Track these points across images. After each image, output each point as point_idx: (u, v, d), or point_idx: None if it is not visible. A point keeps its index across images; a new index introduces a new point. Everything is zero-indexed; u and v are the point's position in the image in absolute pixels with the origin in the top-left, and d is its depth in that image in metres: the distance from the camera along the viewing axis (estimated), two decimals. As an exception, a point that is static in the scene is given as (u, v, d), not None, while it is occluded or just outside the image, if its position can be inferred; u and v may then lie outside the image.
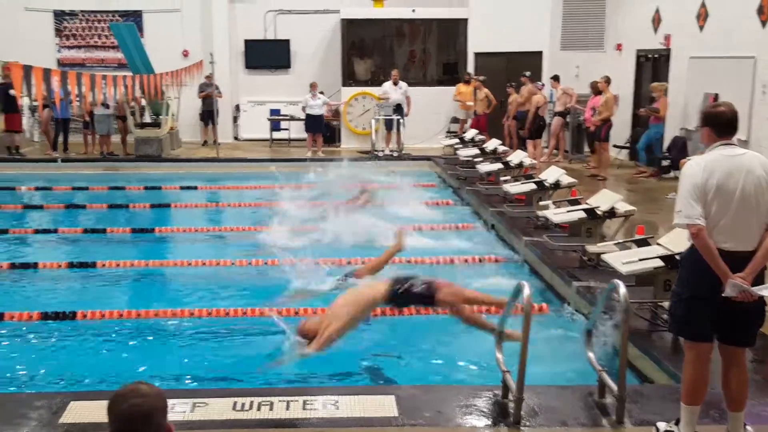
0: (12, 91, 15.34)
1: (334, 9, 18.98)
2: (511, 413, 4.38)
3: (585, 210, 8.25)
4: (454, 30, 19.18)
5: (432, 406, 4.52)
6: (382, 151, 17.21)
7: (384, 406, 4.50)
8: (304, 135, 17.78)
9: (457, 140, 16.15)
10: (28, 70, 7.13)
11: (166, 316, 6.94)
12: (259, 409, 4.42)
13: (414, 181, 14.02)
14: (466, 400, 4.61)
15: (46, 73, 7.73)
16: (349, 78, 19.09)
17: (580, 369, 5.11)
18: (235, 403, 4.46)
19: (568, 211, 8.51)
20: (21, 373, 5.73)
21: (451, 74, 18.95)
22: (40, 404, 4.46)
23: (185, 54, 19.14)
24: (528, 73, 16.83)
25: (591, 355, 4.77)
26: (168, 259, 9.05)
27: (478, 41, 18.50)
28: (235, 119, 19.82)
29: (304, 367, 5.66)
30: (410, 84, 17.66)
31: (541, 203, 9.71)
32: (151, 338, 6.56)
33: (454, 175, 13.86)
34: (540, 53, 18.43)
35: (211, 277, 8.32)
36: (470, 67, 18.53)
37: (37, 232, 10.58)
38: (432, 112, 18.28)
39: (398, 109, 17.26)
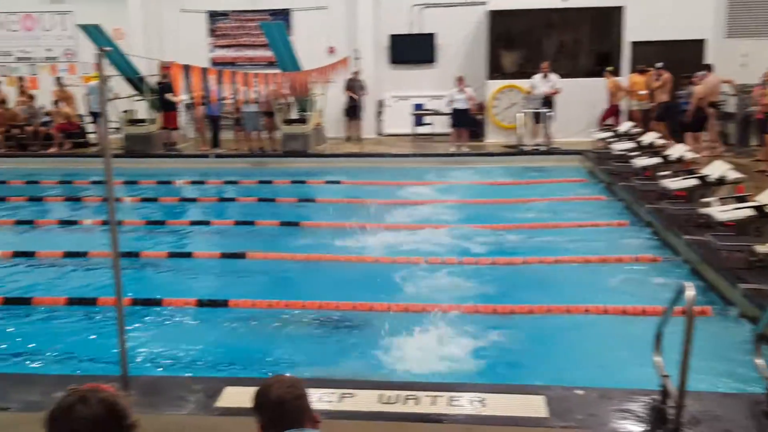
0: (168, 95, 16.43)
1: (481, 1, 18.86)
2: (670, 420, 4.19)
3: (754, 207, 7.75)
4: (608, 18, 18.54)
5: (584, 409, 4.40)
6: (529, 145, 16.93)
7: (533, 406, 4.42)
8: (448, 129, 17.79)
9: (610, 133, 15.62)
10: (186, 69, 7.60)
11: (312, 308, 7.16)
12: (404, 402, 4.47)
13: (562, 176, 13.72)
14: (620, 404, 4.45)
15: (204, 72, 8.20)
16: (495, 71, 18.91)
17: (746, 376, 4.81)
18: (381, 396, 4.53)
19: (735, 209, 8.02)
20: (180, 356, 6.09)
21: (603, 65, 18.35)
22: (197, 388, 4.73)
23: (331, 51, 19.65)
24: (660, 65, 16.24)
25: (759, 362, 4.47)
26: (312, 253, 9.30)
27: (635, 30, 17.79)
28: (379, 114, 20.12)
29: (450, 362, 5.67)
30: (561, 76, 17.27)
31: (703, 200, 9.21)
32: (297, 328, 6.78)
33: (606, 170, 13.42)
34: (702, 41, 17.48)
35: (354, 272, 8.50)
36: (625, 57, 17.89)
37: (192, 223, 11.22)
38: (583, 104, 17.77)
39: (546, 101, 16.94)
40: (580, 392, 4.68)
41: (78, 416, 1.92)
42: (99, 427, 1.94)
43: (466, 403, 4.46)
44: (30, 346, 6.40)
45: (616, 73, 17.51)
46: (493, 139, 18.57)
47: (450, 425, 4.25)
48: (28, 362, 6.02)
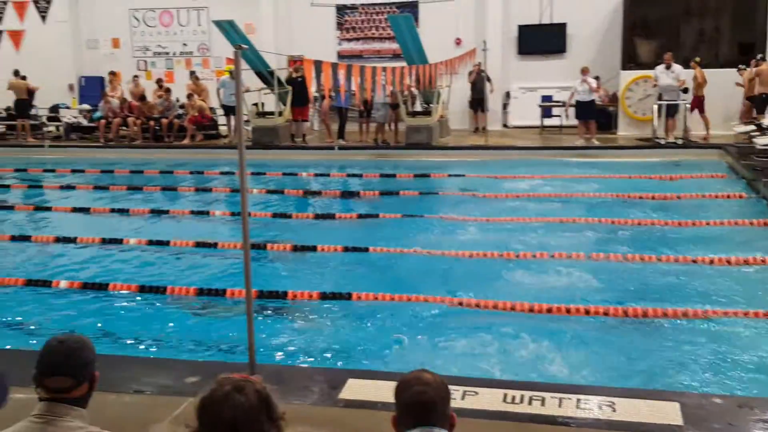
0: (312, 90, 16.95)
1: (616, -12, 18.28)
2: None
3: None
4: (752, 4, 17.52)
5: (722, 418, 4.19)
6: (665, 138, 16.25)
7: (667, 413, 4.25)
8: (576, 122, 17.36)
9: (752, 127, 14.77)
10: (318, 64, 7.83)
11: (435, 302, 7.16)
12: (530, 403, 4.40)
13: (700, 171, 13.10)
14: (762, 414, 4.21)
15: (334, 67, 8.41)
16: (630, 60, 18.26)
17: None
18: (505, 395, 4.48)
19: None
20: (304, 347, 6.25)
21: (746, 54, 17.35)
22: (321, 378, 4.84)
23: (458, 42, 19.59)
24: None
25: None
26: (435, 249, 9.29)
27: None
28: (505, 106, 19.89)
29: (577, 364, 5.54)
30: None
31: None
32: (419, 322, 6.81)
33: (748, 166, 12.71)
34: None
35: (477, 266, 8.44)
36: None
37: (317, 217, 11.48)
38: (724, 96, 16.88)
39: (686, 93, 16.23)
40: (718, 401, 4.46)
41: (234, 404, 2.00)
42: (253, 416, 2.01)
43: (595, 407, 4.34)
44: (163, 332, 6.74)
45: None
46: (626, 132, 17.96)
47: (578, 429, 4.15)
48: (161, 348, 6.34)
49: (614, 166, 14.32)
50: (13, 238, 10.11)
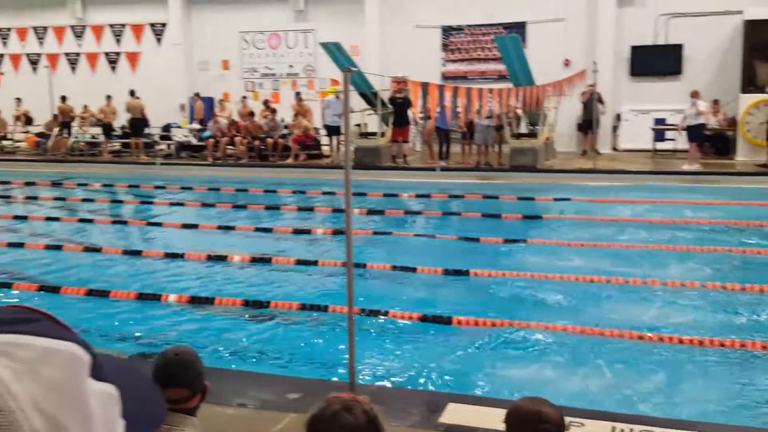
0: (410, 111, 17.06)
1: (736, 10, 17.64)
2: None
3: None
4: None
5: None
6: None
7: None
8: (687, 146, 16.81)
9: None
10: (425, 86, 7.94)
11: (538, 328, 7.04)
12: (638, 437, 4.26)
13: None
14: None
15: (441, 88, 8.48)
16: (749, 84, 17.56)
17: None
18: (613, 428, 4.35)
19: None
20: (402, 369, 6.26)
21: None
22: (420, 401, 4.84)
23: (566, 63, 19.35)
24: None
25: None
26: (538, 273, 9.14)
27: None
28: (615, 129, 19.47)
29: (690, 397, 5.32)
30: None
31: None
32: (520, 349, 6.70)
33: None
34: None
35: (583, 292, 8.25)
36: None
37: (416, 236, 11.51)
38: None
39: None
40: None
41: (342, 423, 2.03)
42: None
43: (708, 447, 4.16)
44: (265, 346, 6.89)
45: None
46: (745, 157, 17.24)
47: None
48: (262, 362, 6.48)
49: (731, 192, 13.76)
50: (125, 252, 10.58)
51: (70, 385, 0.63)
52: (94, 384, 0.66)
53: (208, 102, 22.37)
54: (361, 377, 5.25)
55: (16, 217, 13.24)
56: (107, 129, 20.79)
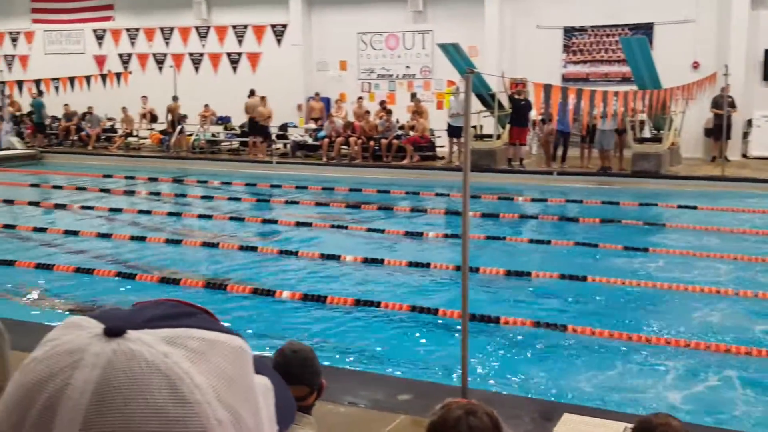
0: (533, 113, 16.89)
1: None
2: None
3: None
4: None
5: None
6: None
7: None
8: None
9: None
10: (548, 88, 7.83)
11: (659, 343, 6.82)
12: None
13: None
14: None
15: (564, 90, 8.35)
16: None
17: None
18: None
19: None
20: (515, 375, 6.20)
21: None
22: (533, 408, 4.79)
23: (695, 66, 18.64)
24: None
25: None
26: (660, 282, 8.84)
27: None
28: (745, 135, 18.59)
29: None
30: None
31: None
32: (639, 362, 6.51)
33: None
34: None
35: (708, 305, 7.92)
36: None
37: (531, 241, 11.35)
38: None
39: None
40: None
41: (471, 426, 2.04)
42: None
43: None
44: (376, 346, 6.97)
45: None
46: None
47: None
48: (373, 362, 6.55)
49: None
50: (241, 248, 10.93)
51: (242, 377, 0.65)
52: (256, 376, 0.68)
53: (325, 102, 22.80)
54: (472, 381, 5.22)
55: (140, 212, 13.89)
56: (255, 126, 21.40)
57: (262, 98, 21.27)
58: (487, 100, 18.44)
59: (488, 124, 18.67)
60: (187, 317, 0.66)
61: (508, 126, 17.87)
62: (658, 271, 9.52)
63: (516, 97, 17.77)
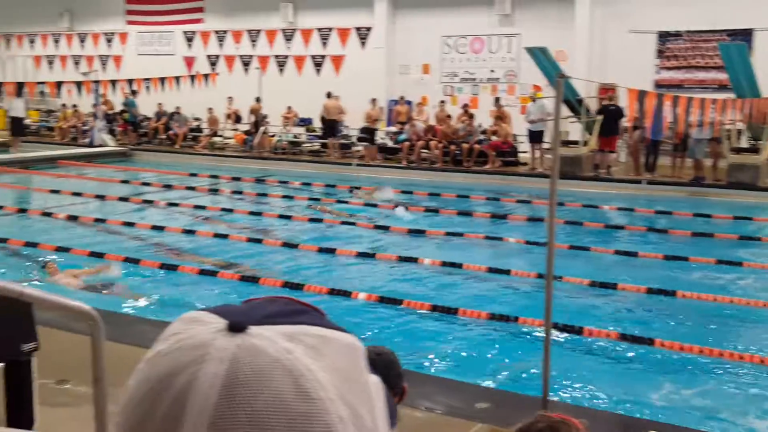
0: (624, 120, 16.52)
1: None
2: None
3: None
4: None
5: None
6: None
7: None
8: None
9: None
10: (642, 94, 7.58)
11: (753, 361, 6.50)
12: None
13: None
14: None
15: (660, 97, 8.08)
16: None
17: None
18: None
19: None
20: (597, 388, 5.99)
21: None
22: (616, 425, 4.60)
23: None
24: None
25: None
26: (756, 299, 8.46)
27: None
28: None
29: None
30: None
31: None
32: (730, 381, 6.21)
33: None
34: None
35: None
36: None
37: (616, 252, 11.02)
38: None
39: None
40: None
41: None
42: None
43: None
44: (453, 352, 6.85)
45: None
46: None
47: None
48: (450, 368, 6.44)
49: None
50: (320, 250, 10.97)
51: (357, 375, 0.65)
52: (369, 375, 0.68)
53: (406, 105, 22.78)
54: (553, 393, 5.05)
55: (223, 210, 14.12)
56: (331, 126, 21.65)
57: (336, 97, 21.47)
58: (574, 105, 18.07)
59: (574, 130, 18.30)
60: (301, 314, 0.67)
61: (595, 132, 17.48)
62: (753, 288, 9.10)
63: (608, 103, 17.36)
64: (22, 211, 14.14)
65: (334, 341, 0.65)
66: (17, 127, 22.45)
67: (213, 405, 0.58)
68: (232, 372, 0.59)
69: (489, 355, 6.87)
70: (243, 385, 0.58)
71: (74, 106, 25.46)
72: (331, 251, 10.89)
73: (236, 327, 0.62)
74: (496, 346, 7.17)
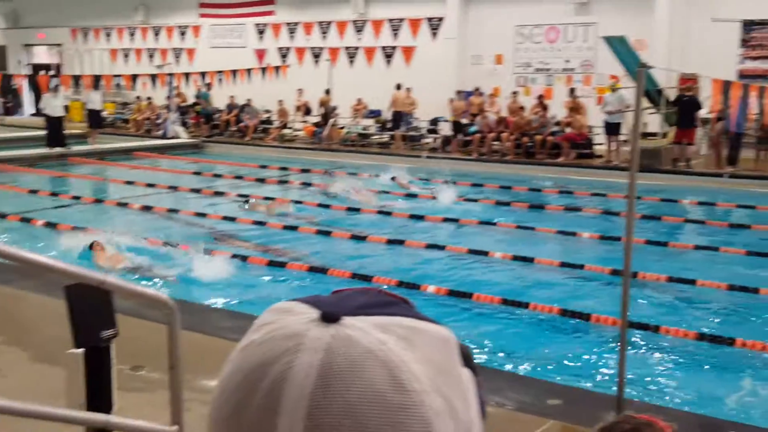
0: (702, 111, 16.09)
1: None
2: None
3: None
4: None
5: None
6: None
7: None
8: None
9: None
10: (727, 85, 7.33)
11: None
12: None
13: None
14: None
15: (745, 88, 7.81)
16: None
17: None
18: None
19: None
20: (673, 388, 5.87)
21: None
22: (696, 425, 4.48)
23: None
24: None
25: None
26: None
27: None
28: None
29: None
30: None
31: None
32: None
33: None
34: None
35: None
36: None
37: (696, 247, 10.75)
38: None
39: None
40: None
41: None
42: None
43: None
44: (524, 347, 6.80)
45: None
46: None
47: None
48: (521, 363, 6.40)
49: None
50: (388, 242, 11.00)
51: (451, 368, 0.65)
52: (461, 367, 0.67)
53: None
54: (627, 392, 4.97)
55: (293, 201, 14.29)
56: (397, 117, 21.76)
57: (408, 89, 21.49)
58: (653, 96, 17.67)
59: (652, 121, 17.90)
60: (392, 306, 0.67)
61: (674, 124, 17.06)
62: None
63: (684, 94, 16.92)
64: (99, 201, 14.59)
65: (427, 333, 0.64)
66: (94, 119, 23.13)
67: (308, 395, 0.58)
68: (327, 362, 0.59)
69: (561, 352, 6.79)
70: (338, 375, 0.59)
71: (148, 98, 26.12)
72: (399, 243, 10.92)
73: (329, 317, 0.62)
74: (568, 342, 7.09)
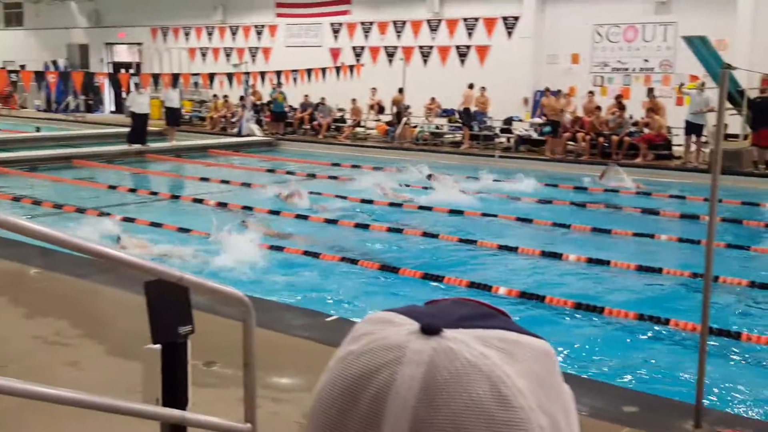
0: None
1: None
2: None
3: None
4: None
5: None
6: None
7: None
8: None
9: None
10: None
11: None
12: None
13: None
14: None
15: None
16: None
17: None
18: None
19: None
20: (756, 396, 5.66)
21: None
22: None
23: None
24: None
25: None
26: None
27: None
28: None
29: None
30: None
31: None
32: None
33: None
34: None
35: None
36: None
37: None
38: None
39: None
40: None
41: None
42: None
43: None
44: (598, 352, 6.66)
45: None
46: None
47: None
48: (594, 367, 6.26)
49: None
50: (460, 241, 10.93)
51: (554, 382, 0.64)
52: (563, 381, 0.66)
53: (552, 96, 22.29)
54: (707, 400, 4.80)
55: (363, 201, 14.30)
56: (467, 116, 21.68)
57: (482, 88, 21.33)
58: (735, 97, 17.12)
59: (733, 122, 17.34)
60: (491, 318, 0.66)
61: (747, 126, 16.53)
62: None
63: (761, 95, 16.35)
64: (175, 197, 14.90)
65: (528, 346, 0.63)
66: (173, 117, 23.63)
67: (411, 408, 0.58)
68: (430, 375, 0.58)
69: (637, 358, 6.62)
70: (441, 389, 0.58)
71: (225, 96, 26.59)
72: (471, 242, 10.83)
73: (430, 329, 0.61)
74: (645, 348, 6.91)
